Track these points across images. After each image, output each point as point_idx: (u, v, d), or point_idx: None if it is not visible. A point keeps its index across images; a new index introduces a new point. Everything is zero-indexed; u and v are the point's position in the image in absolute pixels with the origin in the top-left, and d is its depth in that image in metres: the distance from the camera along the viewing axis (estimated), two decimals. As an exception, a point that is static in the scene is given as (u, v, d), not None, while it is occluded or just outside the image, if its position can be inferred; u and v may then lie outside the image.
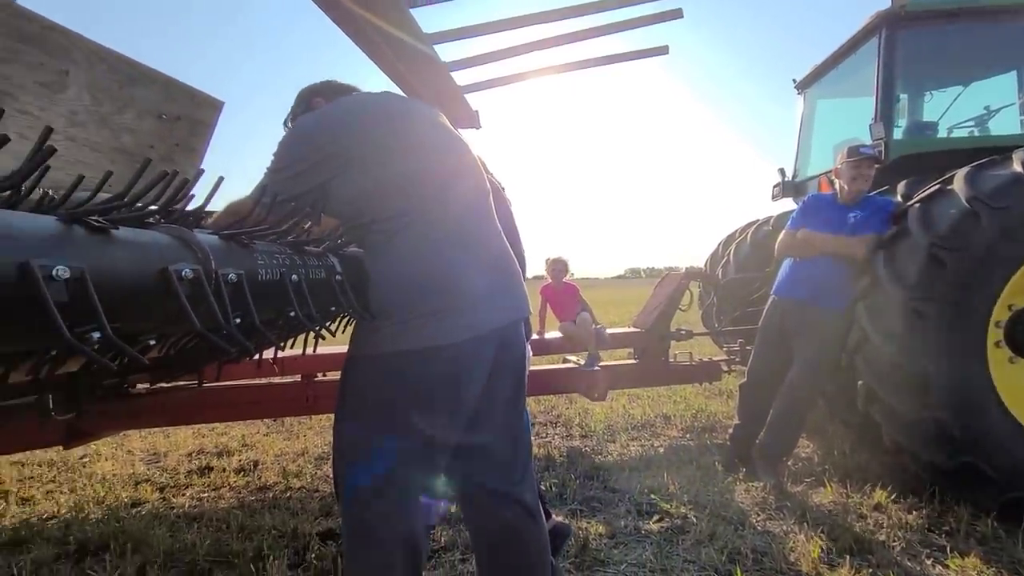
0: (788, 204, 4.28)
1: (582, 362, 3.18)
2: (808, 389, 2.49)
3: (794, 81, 4.20)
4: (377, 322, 1.10)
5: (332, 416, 1.17)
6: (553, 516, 1.87)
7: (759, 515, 2.19)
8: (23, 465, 3.08)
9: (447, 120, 1.30)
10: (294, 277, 0.90)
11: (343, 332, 1.57)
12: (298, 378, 2.88)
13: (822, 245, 2.43)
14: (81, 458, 3.21)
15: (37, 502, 2.56)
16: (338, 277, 1.06)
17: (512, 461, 1.26)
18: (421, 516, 1.15)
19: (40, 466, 3.06)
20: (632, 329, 3.62)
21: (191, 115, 2.35)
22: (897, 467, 2.39)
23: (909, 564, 1.78)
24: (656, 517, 2.20)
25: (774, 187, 4.30)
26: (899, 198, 2.55)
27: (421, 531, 1.15)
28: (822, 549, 1.85)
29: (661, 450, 3.06)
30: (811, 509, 2.18)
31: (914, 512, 2.13)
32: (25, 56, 1.72)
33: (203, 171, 0.80)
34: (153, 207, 0.69)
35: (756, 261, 3.93)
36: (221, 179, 0.78)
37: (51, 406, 2.28)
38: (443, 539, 2.06)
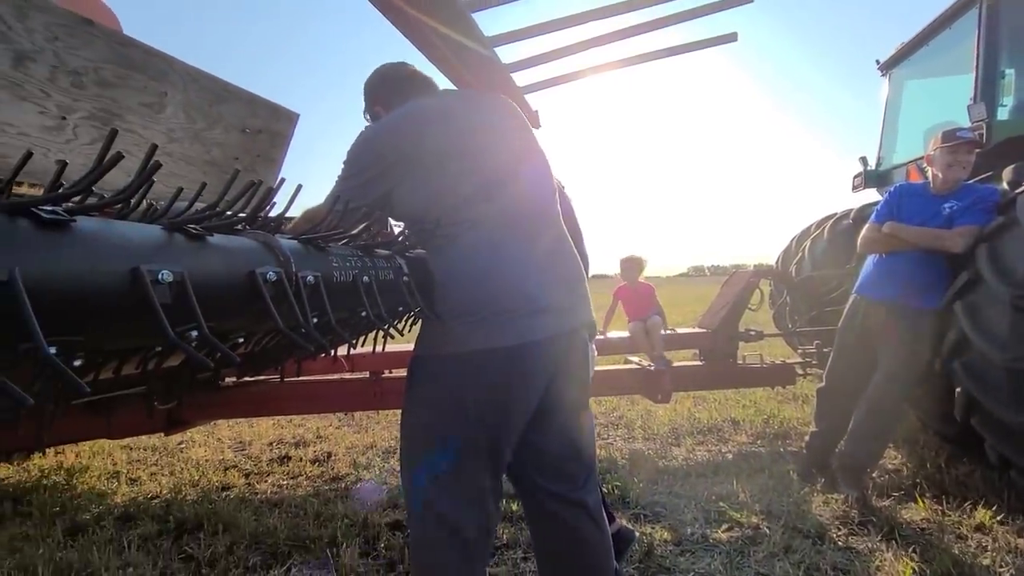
0: (870, 196, 3.97)
1: (644, 363, 3.11)
2: (895, 396, 2.30)
3: (877, 62, 3.89)
4: (440, 322, 1.13)
5: (399, 411, 1.22)
6: (617, 520, 1.85)
7: (840, 530, 2.05)
8: (131, 449, 3.42)
9: (517, 111, 1.29)
10: (365, 279, 0.95)
11: (409, 331, 1.63)
12: (367, 375, 3.02)
13: (912, 238, 2.23)
14: (179, 444, 3.52)
15: (143, 483, 2.84)
16: (405, 278, 1.10)
17: (575, 465, 1.24)
18: (485, 513, 1.16)
19: (145, 450, 3.39)
20: (698, 329, 3.49)
21: (270, 127, 2.52)
22: (1004, 484, 2.15)
23: (1020, 593, 1.61)
24: (725, 526, 2.11)
25: (855, 177, 4.00)
26: (1005, 185, 2.30)
27: (484, 528, 1.16)
28: (914, 570, 1.70)
29: (730, 456, 2.93)
30: (900, 526, 2.01)
31: (1026, 535, 1.91)
32: (131, 81, 1.91)
33: (284, 180, 0.85)
34: (242, 215, 0.75)
35: (834, 258, 3.67)
36: (299, 187, 0.84)
37: (154, 397, 2.53)
38: (505, 537, 2.08)
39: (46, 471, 3.01)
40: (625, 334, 3.35)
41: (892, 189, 2.48)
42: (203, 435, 3.69)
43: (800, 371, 3.36)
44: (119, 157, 0.56)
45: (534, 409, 1.14)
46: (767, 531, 2.03)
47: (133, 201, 0.63)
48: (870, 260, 2.47)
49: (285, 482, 2.82)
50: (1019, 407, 1.85)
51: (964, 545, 1.89)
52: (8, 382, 0.38)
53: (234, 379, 2.83)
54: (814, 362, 3.40)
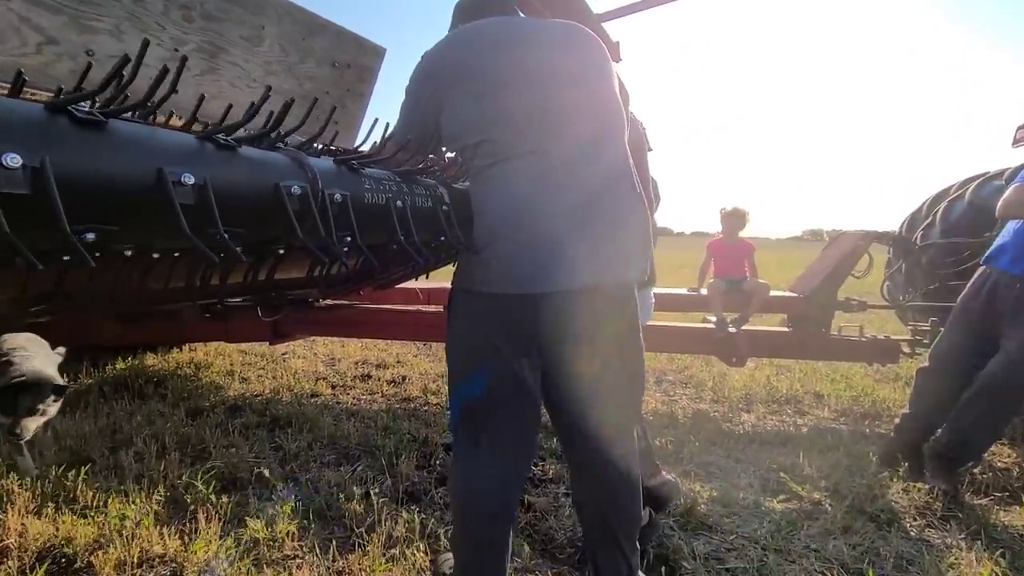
0: (1040, 152, 3.28)
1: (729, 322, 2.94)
2: (1016, 386, 1.97)
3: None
4: (470, 255, 1.13)
5: None
6: (663, 474, 1.82)
7: (915, 520, 1.86)
8: (245, 353, 3.95)
9: (591, 42, 1.19)
10: (399, 203, 0.98)
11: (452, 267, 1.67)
12: (440, 308, 3.18)
13: (1072, 203, 1.83)
14: (283, 354, 4.00)
15: (250, 382, 3.29)
16: (445, 207, 1.12)
17: (604, 416, 1.21)
18: (520, 444, 1.20)
19: (256, 356, 3.90)
20: (788, 293, 3.21)
21: (358, 62, 2.60)
22: None
23: None
24: (782, 496, 2.01)
25: (1018, 129, 3.30)
26: None
27: (519, 457, 1.21)
28: (993, 572, 1.52)
29: (804, 429, 2.74)
30: (993, 527, 1.79)
31: None
32: (232, 14, 2.05)
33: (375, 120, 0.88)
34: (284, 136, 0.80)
35: (971, 225, 3.12)
36: (376, 120, 0.87)
37: (259, 310, 2.84)
38: (551, 472, 2.16)
39: (180, 363, 3.58)
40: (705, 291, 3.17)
41: (1058, 141, 2.03)
42: (303, 348, 4.16)
43: (907, 349, 2.99)
44: (133, 63, 0.61)
45: (561, 355, 1.14)
46: (828, 508, 1.91)
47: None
48: (1010, 227, 2.08)
49: (363, 396, 3.12)
50: None
51: (1070, 560, 1.64)
52: (19, 243, 0.45)
53: (327, 302, 3.15)
54: (925, 340, 3.00)
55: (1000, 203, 2.08)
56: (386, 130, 1.14)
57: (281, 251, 0.87)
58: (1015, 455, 2.41)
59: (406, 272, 1.81)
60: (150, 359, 3.66)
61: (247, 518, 1.76)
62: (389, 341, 4.34)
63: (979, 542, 1.69)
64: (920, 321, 3.11)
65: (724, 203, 3.30)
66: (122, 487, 1.90)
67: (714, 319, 3.06)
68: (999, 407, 2.01)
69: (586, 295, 1.10)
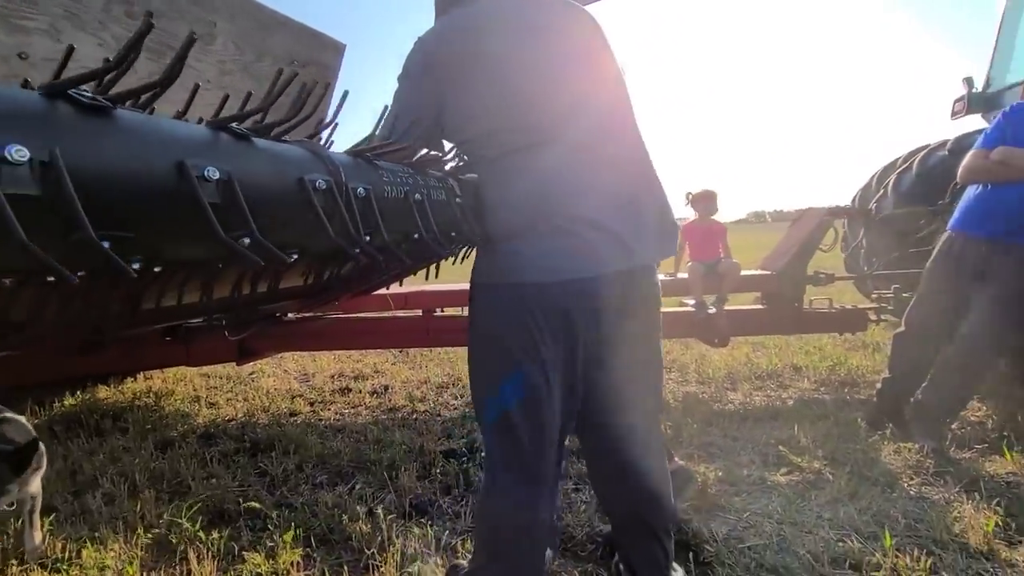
0: (974, 123, 3.50)
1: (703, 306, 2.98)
2: (989, 343, 2.09)
3: (999, -38, 3.31)
4: (492, 248, 1.07)
5: (451, 349, 1.20)
6: (675, 459, 1.81)
7: (912, 479, 1.94)
8: (209, 377, 3.71)
9: (591, 20, 1.14)
10: (417, 196, 0.90)
11: (461, 264, 1.60)
12: (419, 313, 3.08)
13: (1028, 166, 1.94)
14: (250, 374, 3.78)
15: (220, 406, 3.08)
16: (458, 200, 1.05)
17: (634, 408, 1.17)
18: (556, 452, 1.13)
19: (221, 379, 3.66)
20: (760, 271, 3.30)
21: (318, 59, 2.46)
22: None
23: (1122, 553, 1.47)
24: (785, 469, 2.04)
25: (955, 102, 3.52)
26: None
27: (555, 467, 1.13)
28: (997, 524, 1.59)
29: (790, 402, 2.82)
30: (983, 479, 1.87)
31: None
32: (181, 10, 1.89)
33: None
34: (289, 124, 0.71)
35: (924, 194, 3.29)
36: (346, 93, 0.78)
37: (225, 328, 2.65)
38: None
39: (137, 393, 3.32)
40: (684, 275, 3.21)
41: (1006, 110, 2.15)
42: (271, 366, 3.94)
43: (873, 317, 3.13)
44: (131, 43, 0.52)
45: (594, 347, 1.09)
46: (830, 477, 1.95)
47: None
48: (971, 192, 2.19)
49: (346, 411, 2.98)
50: None
51: (1057, 501, 1.74)
52: (48, 258, 0.36)
53: (296, 314, 2.98)
54: (890, 308, 3.15)
55: (961, 169, 2.19)
56: (381, 118, 1.06)
57: (295, 256, 0.78)
58: (986, 408, 2.56)
59: (396, 275, 1.72)
60: (102, 391, 3.36)
61: (243, 552, 1.62)
62: (364, 351, 4.18)
63: (976, 494, 1.77)
64: (883, 289, 3.26)
65: (687, 187, 3.33)
66: (95, 534, 1.71)
67: (692, 302, 3.10)
68: (974, 364, 2.12)
69: (627, 277, 1.06)
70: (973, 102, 3.37)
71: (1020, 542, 1.53)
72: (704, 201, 3.21)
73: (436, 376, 3.55)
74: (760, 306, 3.27)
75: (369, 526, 1.74)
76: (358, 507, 1.84)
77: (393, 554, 1.57)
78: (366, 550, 1.61)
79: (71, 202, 0.39)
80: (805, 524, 1.68)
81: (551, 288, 1.02)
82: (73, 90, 0.44)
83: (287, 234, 0.71)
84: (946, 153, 3.30)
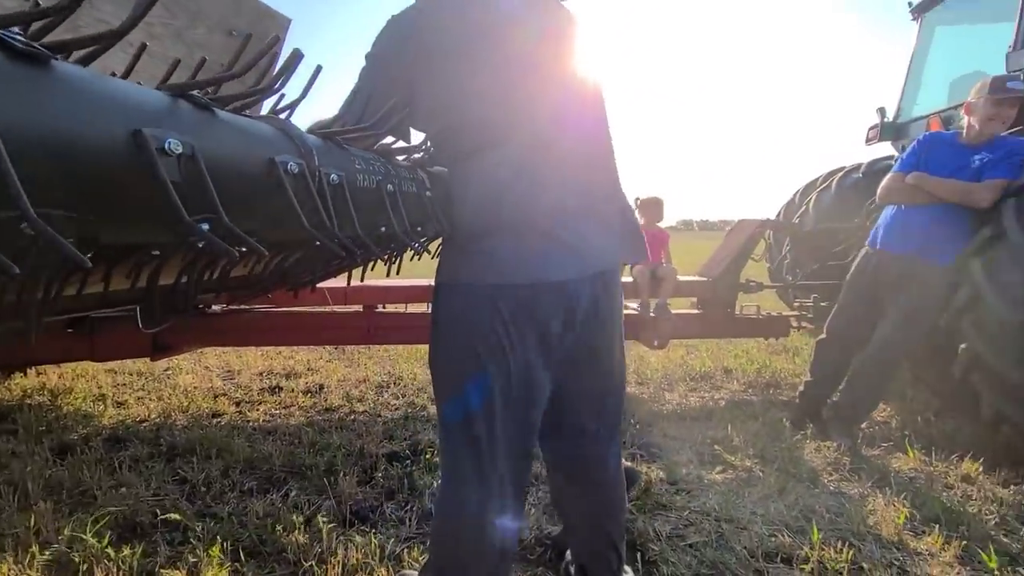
0: (884, 149, 3.86)
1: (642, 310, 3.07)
2: (897, 350, 2.30)
3: (910, 4, 3.66)
4: (459, 247, 1.03)
5: (390, 347, 1.14)
6: (623, 460, 1.84)
7: (832, 475, 2.09)
8: (116, 373, 3.35)
9: (578, 26, 1.12)
10: (390, 187, 0.84)
11: (419, 260, 1.53)
12: (359, 308, 2.94)
13: (938, 190, 2.15)
14: (165, 370, 3.45)
15: (130, 406, 2.78)
16: (428, 193, 0.99)
17: (600, 415, 1.18)
18: (520, 463, 1.09)
19: (130, 375, 3.32)
20: (698, 278, 3.45)
21: (259, 31, 2.27)
22: (992, 439, 2.20)
23: (1006, 540, 1.66)
24: (720, 468, 2.14)
25: (870, 129, 3.86)
26: (1037, 140, 2.21)
27: (518, 479, 1.09)
28: (907, 516, 1.75)
29: (722, 403, 2.97)
30: (891, 474, 2.06)
31: (1010, 487, 1.97)
32: (103, -40, 1.67)
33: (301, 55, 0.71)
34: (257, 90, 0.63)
35: (840, 212, 3.60)
36: (298, 55, 0.71)
37: (138, 319, 2.40)
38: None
39: (28, 391, 2.94)
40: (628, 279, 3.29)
41: (920, 138, 2.38)
42: (190, 362, 3.62)
43: (794, 324, 3.37)
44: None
45: (562, 352, 1.07)
46: (761, 474, 2.07)
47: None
48: (887, 212, 2.40)
49: (277, 411, 2.79)
50: (1025, 365, 1.86)
51: (951, 494, 1.95)
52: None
53: (222, 306, 2.74)
54: (809, 315, 3.41)
55: (880, 190, 2.40)
56: (351, 101, 0.98)
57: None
58: (890, 409, 2.82)
59: (346, 267, 1.62)
60: (-17, 389, 2.95)
61: (161, 570, 1.47)
62: (295, 348, 3.95)
63: (887, 488, 1.94)
64: (804, 298, 3.52)
65: (637, 193, 3.43)
66: (-24, 556, 1.48)
67: (633, 305, 3.19)
68: (883, 370, 2.33)
69: (600, 280, 1.05)
70: (885, 130, 3.72)
71: (925, 532, 1.69)
72: (652, 208, 3.30)
73: (376, 375, 3.42)
74: (696, 311, 3.42)
75: (306, 536, 1.63)
76: (293, 516, 1.72)
77: (334, 565, 1.48)
78: (303, 562, 1.51)
79: (5, 174, 0.30)
80: (740, 520, 1.76)
81: (523, 290, 0.98)
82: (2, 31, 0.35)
83: (254, 222, 0.63)
84: (860, 176, 3.63)
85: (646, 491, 1.93)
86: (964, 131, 2.20)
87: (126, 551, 1.52)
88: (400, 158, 1.01)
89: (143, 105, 0.46)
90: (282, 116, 0.75)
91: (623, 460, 1.81)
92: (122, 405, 2.80)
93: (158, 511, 1.74)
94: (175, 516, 1.70)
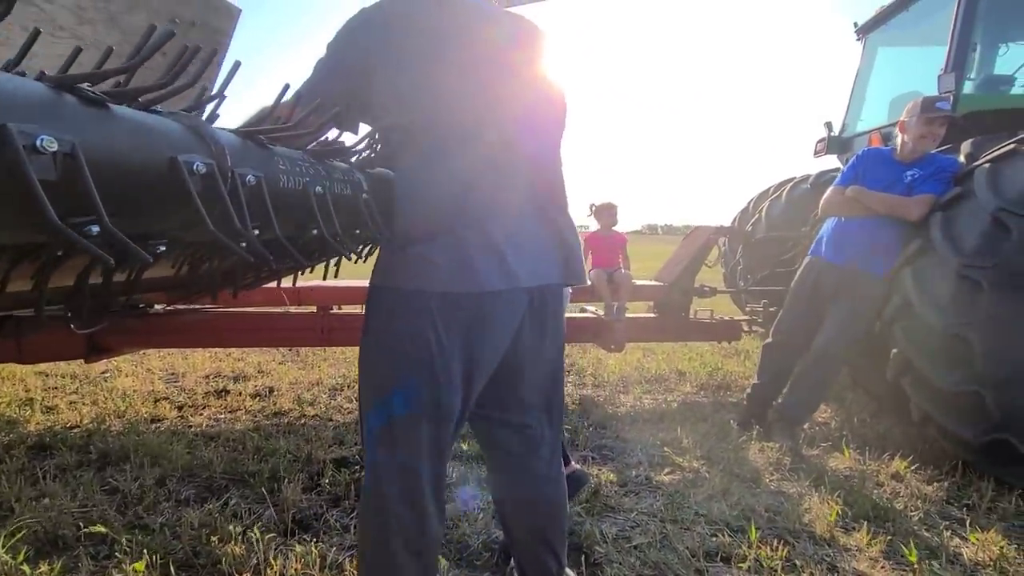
0: (831, 162, 4.04)
1: (600, 313, 3.11)
2: (836, 355, 2.40)
3: (855, 25, 3.85)
4: (397, 250, 1.01)
5: (347, 349, 1.12)
6: (572, 463, 1.86)
7: (773, 475, 2.16)
8: (47, 376, 3.15)
9: (544, 40, 1.11)
10: (319, 189, 0.81)
11: (364, 262, 1.49)
12: (314, 309, 2.86)
13: (873, 204, 2.27)
14: (103, 373, 3.28)
15: (60, 411, 2.62)
16: (365, 196, 0.97)
17: (540, 420, 1.18)
18: (440, 463, 1.08)
19: (63, 378, 3.13)
20: (654, 282, 3.52)
21: (207, 21, 2.19)
22: (920, 439, 2.33)
23: (927, 535, 1.75)
24: (668, 469, 2.18)
25: (818, 143, 4.03)
26: (962, 158, 2.36)
27: (438, 478, 1.09)
28: (838, 513, 1.83)
29: (674, 405, 3.03)
30: (827, 473, 2.15)
31: (934, 484, 2.09)
32: (28, -63, 1.57)
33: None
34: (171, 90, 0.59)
35: (790, 220, 3.75)
36: (238, 64, 0.68)
37: (69, 320, 2.26)
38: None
39: (-55, 395, 2.73)
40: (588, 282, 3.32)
41: (859, 153, 2.50)
42: (130, 364, 3.45)
43: (746, 328, 3.48)
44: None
45: (497, 361, 1.07)
46: (707, 475, 2.12)
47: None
48: (829, 223, 2.51)
49: (222, 416, 2.69)
50: (950, 370, 1.97)
51: (881, 491, 2.04)
52: None
53: (164, 306, 2.61)
54: (760, 320, 3.53)
55: (821, 202, 2.51)
56: (281, 97, 0.95)
57: (162, 248, 0.66)
58: (829, 411, 2.95)
59: (292, 269, 1.57)
60: None
61: (82, 587, 1.38)
62: (246, 350, 3.82)
63: (822, 487, 2.02)
64: (755, 303, 3.64)
65: (590, 199, 3.48)
66: None
67: (592, 308, 3.23)
68: (823, 373, 2.43)
69: (540, 292, 1.05)
70: (831, 144, 3.89)
71: (855, 528, 1.76)
72: (606, 212, 3.35)
73: (329, 378, 3.34)
74: (652, 315, 3.49)
75: (242, 547, 1.57)
76: (230, 526, 1.65)
77: (271, 577, 1.43)
78: (237, 574, 1.45)
79: None
80: (684, 521, 1.80)
81: (459, 299, 0.97)
82: None
83: (154, 223, 0.60)
84: (808, 187, 3.79)
85: (595, 493, 1.95)
86: (898, 148, 2.32)
87: (44, 567, 1.44)
88: (352, 158, 0.99)
89: (17, 98, 0.42)
90: (208, 111, 0.72)
91: (574, 464, 1.83)
92: (51, 410, 2.63)
93: (82, 523, 1.64)
94: (100, 528, 1.61)
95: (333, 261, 1.41)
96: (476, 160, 0.98)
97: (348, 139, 1.06)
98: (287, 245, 0.71)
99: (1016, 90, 3.01)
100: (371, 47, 0.99)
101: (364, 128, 1.13)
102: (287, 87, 0.91)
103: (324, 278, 1.44)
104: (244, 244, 0.66)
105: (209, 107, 0.82)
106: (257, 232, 0.71)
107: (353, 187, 0.94)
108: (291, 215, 0.79)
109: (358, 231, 1.03)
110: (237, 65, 0.69)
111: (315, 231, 0.84)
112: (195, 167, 0.57)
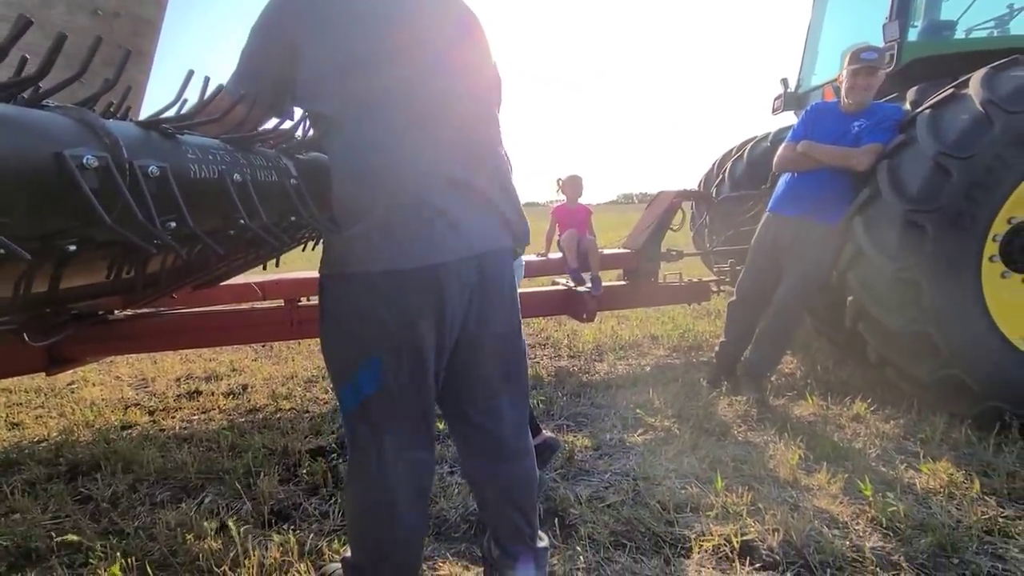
0: (789, 118, 4.07)
1: (571, 285, 3.13)
2: (796, 306, 2.47)
3: (805, -23, 3.84)
4: (339, 235, 1.00)
5: (319, 340, 1.12)
6: (543, 432, 1.89)
7: (740, 427, 2.24)
8: (10, 392, 3.07)
9: (464, 16, 1.10)
10: (237, 177, 0.79)
11: (313, 250, 1.48)
12: (281, 303, 2.82)
13: (823, 157, 2.31)
14: (69, 384, 3.20)
15: (26, 426, 2.57)
16: (293, 181, 0.95)
17: (503, 389, 1.19)
18: (422, 437, 1.12)
19: (27, 392, 3.06)
20: (622, 250, 3.55)
21: (131, 11, 2.09)
22: (879, 381, 2.43)
23: (883, 469, 1.84)
24: (641, 430, 2.24)
25: (775, 100, 4.06)
26: (907, 106, 2.40)
27: (424, 455, 1.13)
28: (800, 457, 1.91)
29: (648, 368, 3.10)
30: (792, 421, 2.23)
31: (891, 422, 2.19)
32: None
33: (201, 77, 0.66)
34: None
35: (752, 179, 3.79)
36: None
37: (24, 333, 2.20)
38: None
39: (-98, 421, 2.64)
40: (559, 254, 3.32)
41: (808, 109, 2.52)
42: (97, 374, 3.38)
43: (715, 288, 3.54)
44: None
45: (456, 334, 1.08)
46: (677, 432, 2.18)
47: None
48: (783, 179, 2.55)
49: (195, 417, 2.66)
50: (902, 313, 2.04)
51: (842, 433, 2.13)
52: None
53: (127, 311, 2.55)
54: (727, 280, 3.59)
55: (775, 159, 2.54)
56: (205, 87, 0.92)
57: (72, 247, 0.64)
58: (794, 361, 3.04)
59: (237, 265, 1.54)
60: None
61: (58, 597, 1.38)
62: (218, 349, 3.76)
63: (786, 434, 2.10)
64: (722, 263, 3.70)
65: (548, 176, 3.47)
66: None
67: (562, 281, 3.25)
68: (785, 325, 2.50)
69: (485, 259, 1.06)
70: (788, 100, 3.92)
71: (816, 470, 1.84)
72: (572, 185, 3.34)
73: (304, 370, 3.32)
74: (623, 282, 3.53)
75: (219, 541, 1.57)
76: (206, 523, 1.66)
77: (248, 567, 1.44)
78: (215, 569, 1.46)
79: None
80: (656, 477, 1.86)
81: (401, 276, 0.97)
82: None
83: (46, 223, 0.58)
84: (768, 144, 3.82)
85: (569, 459, 2.00)
86: (842, 101, 2.35)
87: (16, 581, 1.42)
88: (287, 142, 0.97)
89: None
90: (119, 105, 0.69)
91: (545, 432, 1.87)
92: (17, 426, 2.58)
93: (55, 534, 1.63)
94: (74, 537, 1.59)
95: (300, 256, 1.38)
96: (404, 133, 0.97)
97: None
98: (201, 236, 0.70)
99: (959, 35, 3.06)
100: (293, 26, 0.96)
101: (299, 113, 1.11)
102: (207, 80, 0.89)
103: (264, 268, 1.42)
104: (156, 241, 0.65)
105: (117, 99, 0.79)
106: (173, 225, 0.70)
107: (279, 173, 0.93)
108: (210, 205, 0.77)
109: (293, 218, 1.02)
110: (206, 81, 0.66)
111: (241, 221, 0.83)
112: (85, 161, 0.55)
